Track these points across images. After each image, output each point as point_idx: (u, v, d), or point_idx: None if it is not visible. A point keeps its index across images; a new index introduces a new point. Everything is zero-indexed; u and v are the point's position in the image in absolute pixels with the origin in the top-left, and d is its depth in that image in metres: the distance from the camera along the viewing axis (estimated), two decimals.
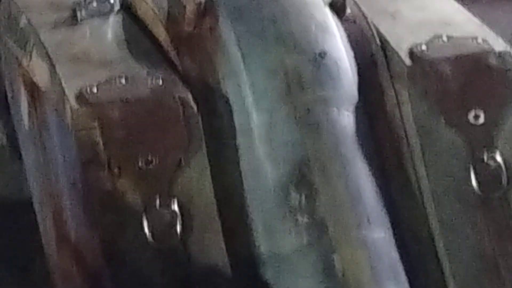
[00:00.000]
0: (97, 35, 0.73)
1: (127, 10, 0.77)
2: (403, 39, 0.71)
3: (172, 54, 0.70)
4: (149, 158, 0.58)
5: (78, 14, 0.74)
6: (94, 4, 0.75)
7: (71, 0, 0.77)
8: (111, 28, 0.75)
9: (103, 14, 0.75)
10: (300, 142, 0.64)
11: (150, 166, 0.58)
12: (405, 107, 0.69)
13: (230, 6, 0.68)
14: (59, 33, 0.73)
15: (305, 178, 0.63)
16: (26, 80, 0.73)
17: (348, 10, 0.75)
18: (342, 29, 0.72)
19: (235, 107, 0.66)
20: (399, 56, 0.69)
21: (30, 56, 0.71)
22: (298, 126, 0.65)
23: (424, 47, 0.70)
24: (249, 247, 0.63)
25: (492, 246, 0.65)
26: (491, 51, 0.70)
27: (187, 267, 0.59)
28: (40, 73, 0.66)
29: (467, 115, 0.68)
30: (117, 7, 0.76)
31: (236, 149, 0.65)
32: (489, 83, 0.70)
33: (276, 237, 0.63)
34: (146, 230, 0.58)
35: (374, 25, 0.75)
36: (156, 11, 0.73)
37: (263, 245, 0.63)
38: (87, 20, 0.74)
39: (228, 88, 0.66)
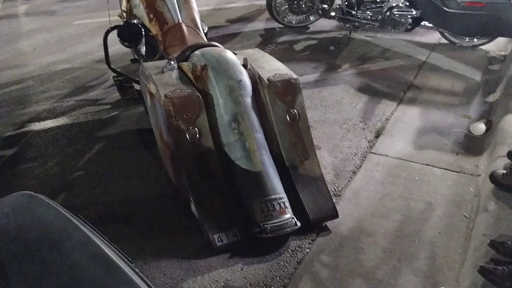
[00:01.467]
0: (170, 75, 2.40)
1: (179, 68, 2.45)
2: (265, 75, 2.37)
3: (195, 82, 2.37)
4: (187, 114, 2.24)
5: (164, 69, 2.42)
6: (169, 65, 2.43)
7: (162, 64, 2.45)
8: (175, 73, 2.42)
9: (172, 69, 2.42)
10: (234, 108, 2.30)
11: (188, 117, 2.24)
12: (266, 98, 2.37)
13: (213, 69, 2.35)
14: (159, 75, 2.41)
15: (236, 118, 2.29)
16: (149, 91, 2.43)
17: (248, 66, 2.41)
18: (246, 72, 2.38)
19: (213, 98, 2.32)
20: (264, 80, 2.36)
21: (150, 82, 2.39)
22: (234, 103, 2.31)
23: (272, 77, 2.36)
24: (219, 141, 2.30)
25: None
26: (293, 77, 2.35)
27: (203, 152, 2.26)
28: (154, 89, 2.34)
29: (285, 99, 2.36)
30: (176, 66, 2.44)
31: (214, 111, 2.32)
32: (292, 89, 2.36)
33: (228, 137, 2.30)
34: (188, 137, 2.24)
35: (256, 71, 2.41)
36: (189, 69, 2.41)
37: (224, 140, 2.31)
38: (167, 72, 2.42)
39: (212, 92, 2.33)
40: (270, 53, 4.52)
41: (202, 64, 2.44)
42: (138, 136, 3.12)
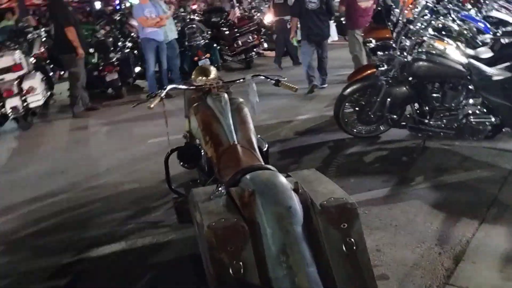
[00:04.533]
0: (217, 203, 2.27)
1: (228, 194, 2.31)
2: (318, 199, 2.15)
3: (242, 210, 2.22)
4: (231, 247, 2.06)
5: (211, 196, 2.31)
6: (217, 192, 2.31)
7: (210, 190, 2.34)
8: (222, 200, 2.29)
9: (220, 196, 2.30)
10: (282, 238, 2.08)
11: (231, 249, 2.06)
12: (319, 226, 2.13)
13: (261, 195, 2.18)
14: (205, 202, 2.29)
15: (285, 250, 2.07)
16: (195, 219, 2.29)
17: (300, 190, 2.23)
18: (297, 197, 2.18)
19: (261, 227, 2.14)
20: (316, 206, 2.14)
21: (197, 210, 2.26)
22: (282, 232, 2.09)
23: (325, 202, 2.14)
24: (266, 275, 2.07)
25: None
26: (349, 202, 2.13)
27: None
28: (199, 218, 2.20)
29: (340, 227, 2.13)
30: (224, 192, 2.31)
31: (261, 241, 2.11)
32: (348, 216, 2.13)
33: (276, 271, 2.07)
34: (231, 272, 2.05)
35: (309, 195, 2.21)
36: (237, 195, 2.27)
37: (271, 274, 2.07)
38: (215, 198, 2.30)
39: (259, 221, 2.14)
40: (337, 167, 4.43)
41: (250, 190, 2.31)
42: (193, 264, 2.97)
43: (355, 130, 4.98)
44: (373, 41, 5.02)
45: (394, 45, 4.55)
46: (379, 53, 4.78)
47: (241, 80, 3.29)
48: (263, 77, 3.29)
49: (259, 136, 3.25)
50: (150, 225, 3.52)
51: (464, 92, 4.30)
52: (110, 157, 5.31)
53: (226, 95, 3.09)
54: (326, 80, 7.69)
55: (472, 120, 4.21)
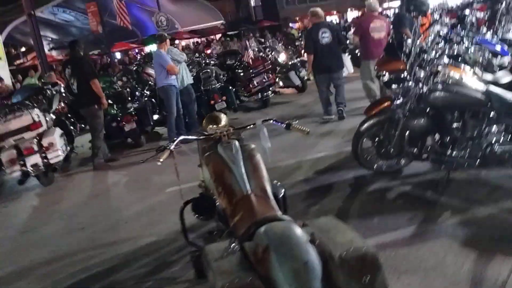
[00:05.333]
0: (231, 261, 2.16)
1: (242, 249, 2.19)
2: (337, 250, 2.04)
3: (257, 266, 2.09)
4: None
5: (224, 253, 2.19)
6: (230, 248, 2.19)
7: (223, 247, 2.22)
8: (236, 258, 2.17)
9: (233, 252, 2.19)
10: None
11: None
12: (340, 279, 1.99)
13: (276, 251, 2.06)
14: (219, 261, 2.17)
15: None
16: (209, 279, 2.17)
17: (317, 241, 2.10)
18: (314, 249, 2.05)
19: (278, 286, 2.00)
20: (335, 258, 2.02)
21: (210, 270, 2.14)
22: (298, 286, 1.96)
23: (344, 253, 2.02)
24: None
25: None
26: (370, 251, 2.00)
27: None
28: (211, 279, 2.08)
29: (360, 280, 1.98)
30: (238, 248, 2.19)
31: None
32: (370, 267, 1.98)
33: None
34: None
35: (327, 246, 2.08)
36: (251, 251, 2.14)
37: None
38: (229, 256, 2.18)
39: (276, 278, 2.02)
40: (360, 206, 4.27)
41: (264, 245, 2.20)
42: None
43: (375, 166, 4.83)
44: (387, 74, 4.93)
45: (408, 76, 4.45)
46: (394, 86, 4.68)
47: (252, 126, 3.22)
48: (274, 122, 3.22)
49: (275, 181, 3.15)
50: (169, 281, 3.41)
51: (486, 119, 4.14)
52: (129, 209, 5.25)
53: (237, 143, 3.01)
54: (344, 111, 7.68)
55: (496, 148, 4.04)
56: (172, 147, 3.02)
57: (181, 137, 3.19)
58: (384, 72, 5.21)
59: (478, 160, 4.14)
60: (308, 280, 2.07)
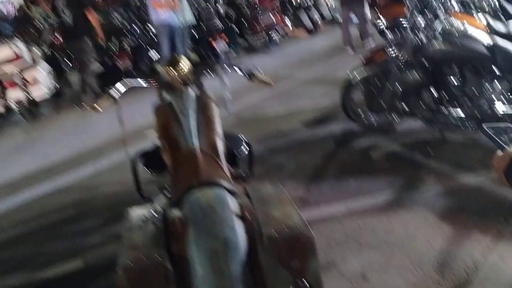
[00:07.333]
0: (145, 233, 1.85)
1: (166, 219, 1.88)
2: (268, 228, 1.73)
3: (173, 242, 1.78)
4: None
5: (145, 222, 1.88)
6: (151, 216, 1.89)
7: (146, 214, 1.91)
8: (154, 229, 1.87)
9: (155, 222, 1.88)
10: (215, 282, 1.65)
11: None
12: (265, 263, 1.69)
13: (195, 225, 1.75)
14: (134, 231, 1.87)
15: None
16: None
17: (248, 215, 1.78)
18: (241, 226, 1.74)
19: (191, 267, 1.71)
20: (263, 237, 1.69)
21: (121, 242, 1.85)
22: (215, 274, 1.66)
23: (275, 232, 1.70)
24: None
25: None
26: (304, 233, 1.71)
27: None
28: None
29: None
30: (159, 217, 1.89)
31: (191, 285, 1.68)
32: (301, 252, 1.66)
33: None
34: None
35: (258, 222, 1.76)
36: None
37: None
38: (149, 225, 1.87)
39: (190, 258, 1.71)
40: (339, 165, 3.89)
41: (183, 216, 1.88)
42: None
43: (364, 121, 4.42)
44: (384, 21, 4.39)
45: (405, 24, 3.94)
46: (389, 34, 4.16)
47: (209, 71, 2.84)
48: (236, 69, 2.82)
49: (240, 135, 2.82)
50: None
51: (488, 76, 3.67)
52: (105, 153, 4.98)
53: (191, 91, 2.62)
54: (370, 41, 7.94)
55: (497, 108, 3.60)
56: (114, 93, 2.67)
57: (124, 81, 2.81)
58: (381, 19, 4.66)
59: (476, 121, 3.71)
60: (226, 263, 1.73)
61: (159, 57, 8.07)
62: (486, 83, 3.66)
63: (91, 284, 2.72)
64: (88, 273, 2.84)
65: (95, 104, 2.64)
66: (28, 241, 3.37)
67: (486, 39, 3.60)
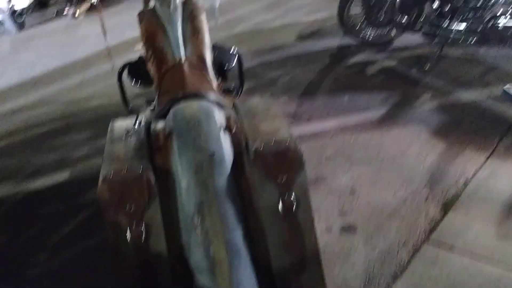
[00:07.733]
0: (128, 145, 1.78)
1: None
2: (255, 141, 1.61)
3: (155, 155, 1.72)
4: (131, 206, 1.60)
5: (129, 133, 1.81)
6: (134, 128, 1.81)
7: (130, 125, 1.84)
8: (137, 140, 1.80)
9: (137, 134, 1.80)
10: (199, 195, 1.60)
11: (132, 209, 1.60)
12: (252, 177, 1.62)
13: (179, 137, 1.67)
14: (117, 143, 1.80)
15: (201, 210, 1.59)
16: None
17: (234, 128, 1.70)
18: (227, 138, 1.67)
19: (175, 180, 1.65)
20: (250, 150, 1.63)
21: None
22: (199, 187, 1.61)
23: (262, 145, 1.60)
24: (177, 242, 1.61)
25: None
26: (292, 147, 1.59)
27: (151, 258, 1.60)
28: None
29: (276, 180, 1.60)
30: (142, 129, 1.81)
31: (174, 198, 1.64)
32: (288, 165, 1.60)
33: (189, 237, 1.60)
34: (128, 238, 1.59)
35: (245, 135, 1.68)
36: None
37: (184, 240, 1.60)
38: (132, 137, 1.80)
39: (174, 171, 1.66)
40: (334, 80, 3.78)
41: (168, 129, 1.81)
42: None
43: (361, 35, 4.25)
44: None
45: None
46: None
47: None
48: None
49: (230, 47, 2.67)
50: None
51: None
52: (92, 67, 4.81)
53: None
54: None
55: (500, 23, 3.43)
56: None
57: None
58: None
59: (477, 35, 3.56)
60: (211, 176, 1.69)
61: None
62: None
63: (79, 195, 2.70)
64: (76, 184, 2.82)
65: (76, 10, 2.47)
66: (15, 153, 3.32)
67: None
